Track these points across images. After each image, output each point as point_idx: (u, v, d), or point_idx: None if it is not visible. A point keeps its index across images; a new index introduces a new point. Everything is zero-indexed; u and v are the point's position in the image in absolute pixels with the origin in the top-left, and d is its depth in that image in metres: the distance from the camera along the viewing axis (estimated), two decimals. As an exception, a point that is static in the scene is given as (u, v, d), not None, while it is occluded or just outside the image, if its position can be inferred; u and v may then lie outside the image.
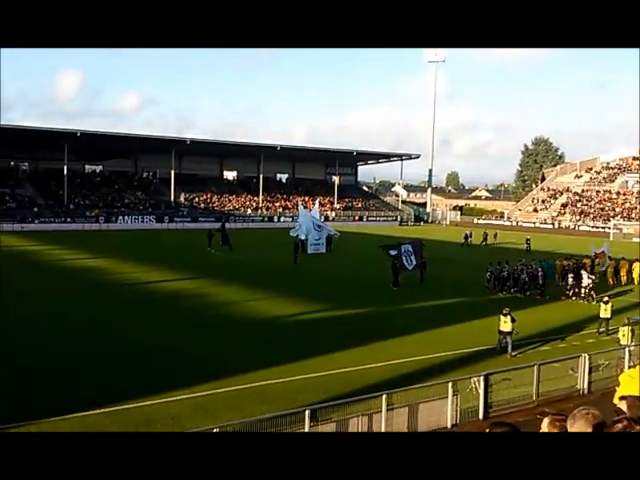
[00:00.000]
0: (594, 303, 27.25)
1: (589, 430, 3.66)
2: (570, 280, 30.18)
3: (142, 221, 72.13)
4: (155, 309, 25.11)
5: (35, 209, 68.50)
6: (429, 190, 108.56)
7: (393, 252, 32.39)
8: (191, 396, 14.80)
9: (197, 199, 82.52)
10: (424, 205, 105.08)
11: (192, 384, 15.41)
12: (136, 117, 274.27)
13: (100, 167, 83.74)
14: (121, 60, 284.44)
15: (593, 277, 29.79)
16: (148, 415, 13.53)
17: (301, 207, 53.44)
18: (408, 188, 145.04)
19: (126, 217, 71.65)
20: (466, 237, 57.29)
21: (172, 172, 78.11)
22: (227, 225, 53.32)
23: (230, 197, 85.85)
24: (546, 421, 4.54)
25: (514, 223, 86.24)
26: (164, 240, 56.76)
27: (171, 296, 27.85)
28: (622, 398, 4.87)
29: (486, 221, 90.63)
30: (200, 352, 18.97)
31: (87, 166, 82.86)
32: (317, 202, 62.55)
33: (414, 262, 31.99)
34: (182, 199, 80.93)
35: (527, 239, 51.36)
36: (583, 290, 29.18)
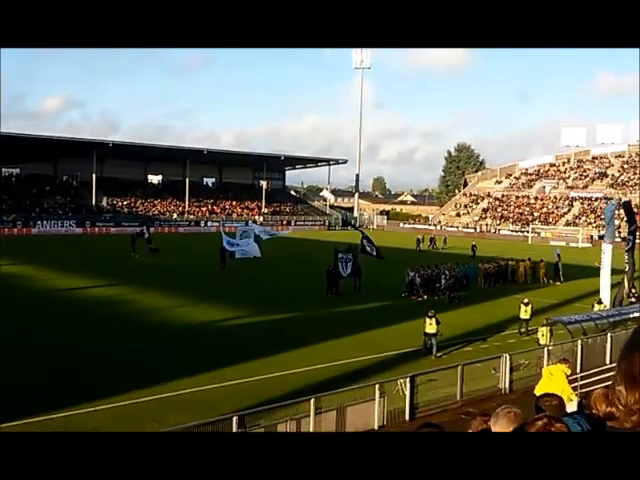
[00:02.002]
0: (446, 302, 29.05)
1: (511, 428, 3.73)
2: (443, 282, 31.04)
3: (62, 226, 69.65)
4: (77, 316, 24.26)
5: (-54, 214, 65.15)
6: (356, 195, 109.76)
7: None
8: (112, 406, 14.34)
9: (120, 203, 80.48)
10: (351, 210, 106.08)
11: (113, 394, 14.93)
12: (60, 119, 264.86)
13: (17, 170, 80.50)
14: (45, 61, 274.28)
15: (451, 280, 31.17)
16: (67, 427, 13.00)
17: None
18: (336, 193, 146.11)
19: (45, 222, 69.00)
20: (418, 241, 58.14)
21: (94, 176, 75.86)
22: (151, 229, 52.09)
23: (155, 201, 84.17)
24: (475, 422, 4.64)
25: (438, 227, 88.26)
26: (86, 245, 54.96)
27: (95, 303, 26.96)
28: (540, 397, 5.02)
29: (411, 225, 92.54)
30: (121, 360, 18.43)
31: (4, 169, 79.51)
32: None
33: (350, 269, 31.90)
34: (104, 203, 78.73)
35: (473, 245, 51.59)
36: (444, 291, 30.36)
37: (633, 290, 27.79)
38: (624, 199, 69.41)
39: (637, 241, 29.14)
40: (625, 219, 30.80)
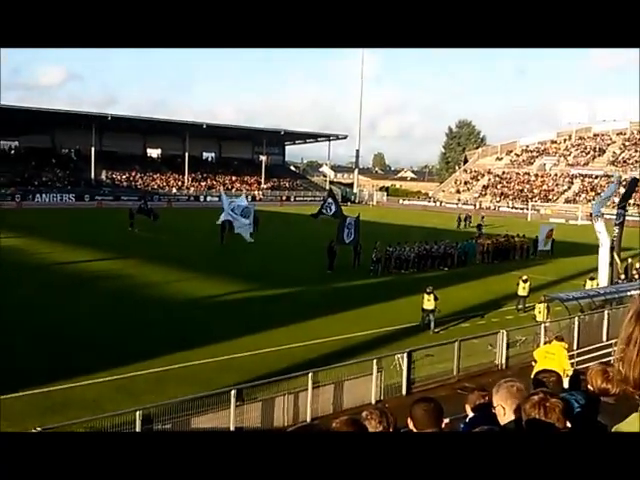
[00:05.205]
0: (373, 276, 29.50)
1: (509, 401, 3.75)
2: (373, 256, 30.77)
3: (61, 199, 69.56)
4: (76, 290, 24.30)
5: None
6: (356, 171, 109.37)
7: (327, 211, 32.40)
8: (112, 378, 14.42)
9: (119, 177, 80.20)
10: (351, 186, 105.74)
11: (113, 366, 15.00)
12: (59, 92, 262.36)
13: (16, 143, 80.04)
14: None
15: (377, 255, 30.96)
16: (67, 398, 13.10)
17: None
18: (335, 169, 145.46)
19: (44, 195, 68.90)
20: (459, 220, 58.84)
21: (92, 149, 75.50)
22: (150, 204, 51.82)
23: (154, 175, 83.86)
24: (473, 396, 4.68)
25: (438, 204, 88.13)
26: (85, 219, 54.86)
27: (93, 277, 26.96)
28: (539, 372, 5.04)
29: (411, 202, 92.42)
30: (122, 334, 18.49)
31: (2, 142, 79.06)
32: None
33: (353, 236, 31.56)
34: (103, 177, 78.46)
35: (479, 224, 51.07)
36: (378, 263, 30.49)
37: (622, 276, 27.61)
38: (624, 176, 69.26)
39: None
40: (623, 194, 30.97)
